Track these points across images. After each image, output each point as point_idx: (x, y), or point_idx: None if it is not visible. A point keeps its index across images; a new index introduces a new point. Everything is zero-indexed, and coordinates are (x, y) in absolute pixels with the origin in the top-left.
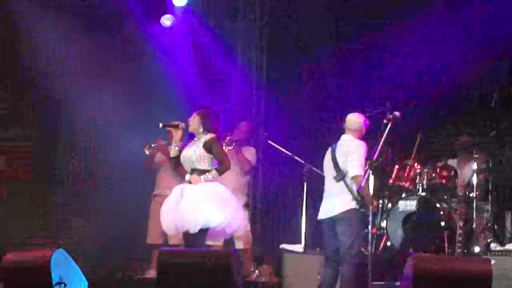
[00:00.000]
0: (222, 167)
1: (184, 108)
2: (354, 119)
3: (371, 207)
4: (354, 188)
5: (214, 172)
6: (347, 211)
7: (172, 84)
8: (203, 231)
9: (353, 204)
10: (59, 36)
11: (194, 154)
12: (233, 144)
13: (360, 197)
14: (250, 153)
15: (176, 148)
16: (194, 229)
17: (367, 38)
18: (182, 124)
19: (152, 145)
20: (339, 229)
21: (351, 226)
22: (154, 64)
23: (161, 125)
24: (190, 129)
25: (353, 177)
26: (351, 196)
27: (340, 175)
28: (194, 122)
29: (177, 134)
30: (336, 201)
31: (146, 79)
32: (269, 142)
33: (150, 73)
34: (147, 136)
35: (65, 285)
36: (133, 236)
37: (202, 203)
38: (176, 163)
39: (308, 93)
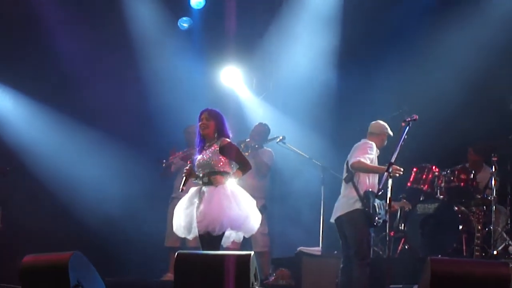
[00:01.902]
0: (244, 168)
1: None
2: (375, 125)
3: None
4: (362, 189)
5: (238, 172)
6: (351, 212)
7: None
8: (223, 234)
9: (357, 205)
10: None
11: (212, 159)
12: (249, 150)
13: (366, 198)
14: (267, 155)
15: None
16: (219, 231)
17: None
18: (190, 166)
19: (167, 161)
20: (346, 230)
21: (356, 227)
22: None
23: (184, 188)
24: (204, 132)
25: (352, 166)
26: (356, 197)
27: (348, 176)
28: (209, 126)
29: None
30: (342, 201)
31: None
32: (287, 145)
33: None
34: None
35: (82, 287)
36: (152, 239)
37: (226, 205)
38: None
39: (327, 96)
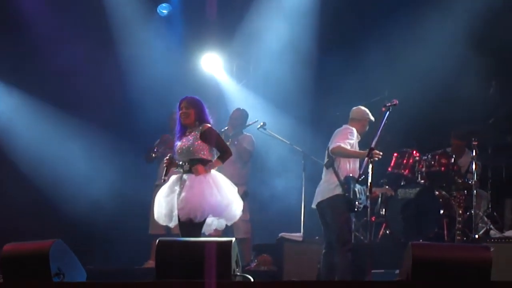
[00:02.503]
0: (224, 155)
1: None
2: (356, 110)
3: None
4: (342, 175)
5: (217, 160)
6: (332, 197)
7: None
8: (204, 221)
9: (337, 191)
10: None
11: (192, 145)
12: (229, 140)
13: (347, 184)
14: (247, 141)
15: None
16: (200, 218)
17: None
18: (171, 155)
19: (156, 148)
20: (326, 216)
21: (336, 212)
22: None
23: (166, 178)
24: (184, 121)
25: (332, 151)
26: (337, 183)
27: (329, 161)
28: (190, 114)
29: (170, 167)
30: (322, 187)
31: None
32: (268, 131)
33: None
34: None
35: (63, 276)
36: (135, 227)
37: (208, 192)
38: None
39: (308, 82)
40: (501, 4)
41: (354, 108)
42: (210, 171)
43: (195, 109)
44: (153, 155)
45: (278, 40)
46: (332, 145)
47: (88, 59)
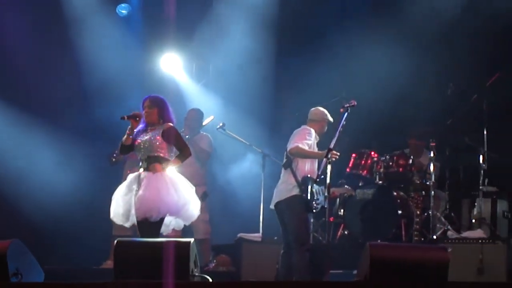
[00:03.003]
0: (183, 155)
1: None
2: (314, 111)
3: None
4: (300, 175)
5: (176, 159)
6: (289, 198)
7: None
8: (161, 220)
9: (295, 191)
10: None
11: (152, 143)
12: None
13: (304, 184)
14: (205, 141)
15: (130, 137)
16: (156, 217)
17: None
18: (141, 114)
19: (115, 153)
20: (284, 216)
21: (294, 213)
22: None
23: (126, 117)
24: (148, 120)
25: (290, 152)
26: (294, 183)
27: (287, 162)
28: (152, 114)
29: (135, 124)
30: (280, 187)
31: None
32: (227, 131)
33: None
34: None
35: (21, 276)
36: (95, 228)
37: (165, 191)
38: (125, 150)
39: (267, 83)
40: (458, 7)
41: (313, 109)
42: (166, 170)
43: (158, 108)
44: (113, 159)
45: (238, 40)
46: (290, 145)
47: (46, 59)
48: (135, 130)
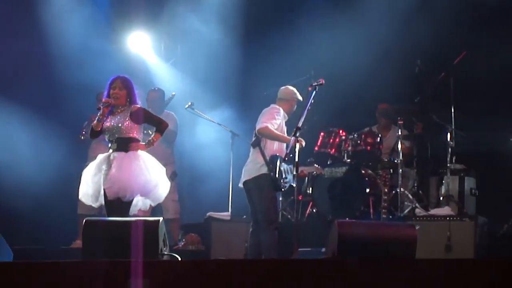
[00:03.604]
0: (162, 128)
1: None
2: (284, 90)
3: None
4: (268, 154)
5: (156, 134)
6: (257, 177)
7: None
8: (132, 201)
9: (263, 170)
10: None
11: (121, 125)
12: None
13: (273, 163)
14: (170, 121)
15: (100, 122)
16: (129, 197)
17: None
18: (111, 100)
19: (84, 130)
20: (253, 195)
21: (262, 191)
22: None
23: (101, 106)
24: (117, 101)
25: (258, 133)
26: (262, 162)
27: (255, 141)
28: (122, 94)
29: (106, 110)
30: (248, 166)
31: None
32: (195, 110)
33: None
34: None
35: None
36: (63, 207)
37: (137, 171)
38: (96, 135)
39: (236, 62)
40: None
41: (282, 88)
42: (145, 148)
43: (127, 89)
44: (81, 137)
45: (206, 20)
46: (259, 125)
47: (14, 40)
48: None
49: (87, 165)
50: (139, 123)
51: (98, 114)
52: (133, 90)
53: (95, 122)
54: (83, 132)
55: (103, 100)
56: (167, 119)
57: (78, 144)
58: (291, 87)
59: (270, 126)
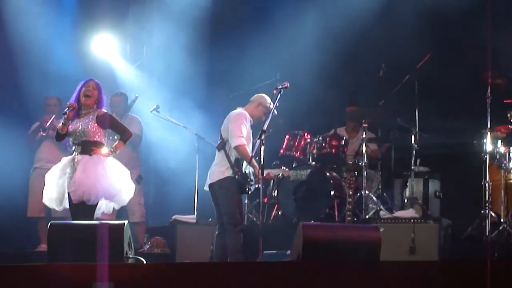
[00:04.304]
0: (125, 137)
1: None
2: (255, 95)
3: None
4: (233, 157)
5: (120, 142)
6: (222, 179)
7: None
8: (97, 204)
9: (228, 173)
10: None
11: (87, 128)
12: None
13: (238, 166)
14: (135, 125)
15: (65, 126)
16: (94, 200)
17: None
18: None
19: (46, 127)
20: (218, 198)
21: (227, 194)
22: None
23: (66, 110)
24: (88, 102)
25: (235, 148)
26: (228, 165)
27: (221, 144)
28: (93, 96)
29: (71, 114)
30: (214, 169)
31: None
32: (161, 113)
33: None
34: None
35: None
36: (12, 210)
37: (102, 174)
38: (61, 138)
39: (201, 65)
40: None
41: (256, 94)
42: (110, 154)
43: (98, 92)
44: (41, 134)
45: (171, 22)
46: (236, 140)
47: None
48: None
49: (35, 167)
50: (105, 128)
51: (64, 118)
52: (102, 95)
53: (60, 125)
54: (41, 133)
55: (68, 104)
56: (131, 123)
57: (29, 143)
58: (262, 94)
59: (245, 146)
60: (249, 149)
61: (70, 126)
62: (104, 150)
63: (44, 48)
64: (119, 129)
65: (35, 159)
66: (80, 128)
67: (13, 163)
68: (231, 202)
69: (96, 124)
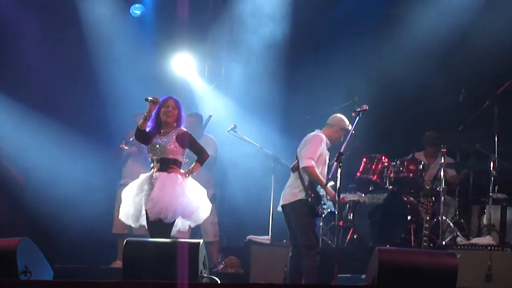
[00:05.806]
0: (202, 158)
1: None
2: (332, 116)
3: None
4: (306, 179)
5: (196, 164)
6: (295, 202)
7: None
8: (174, 222)
9: (301, 195)
10: None
11: (167, 146)
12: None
13: (311, 189)
14: (210, 147)
15: (146, 120)
16: (171, 218)
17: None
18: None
19: (130, 139)
20: (291, 220)
21: (299, 217)
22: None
23: (150, 98)
24: (169, 120)
25: (303, 169)
26: (301, 187)
27: (295, 165)
28: (173, 115)
29: (152, 108)
30: (287, 191)
31: None
32: (238, 133)
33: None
34: None
35: (30, 273)
36: (100, 226)
37: (179, 192)
38: (141, 136)
39: (279, 85)
40: (472, 12)
41: (334, 114)
42: (188, 175)
43: (178, 110)
44: (124, 146)
45: (250, 43)
46: (305, 161)
47: (60, 59)
48: (149, 123)
49: (121, 184)
50: (184, 147)
51: (145, 112)
52: (181, 112)
53: (141, 121)
54: (122, 145)
55: (151, 97)
56: (206, 144)
57: (114, 159)
58: (340, 115)
59: (315, 169)
60: (324, 172)
61: (152, 141)
62: (181, 170)
63: (124, 67)
64: (197, 150)
65: (122, 176)
66: (161, 145)
67: (104, 180)
68: (303, 225)
69: (176, 143)
